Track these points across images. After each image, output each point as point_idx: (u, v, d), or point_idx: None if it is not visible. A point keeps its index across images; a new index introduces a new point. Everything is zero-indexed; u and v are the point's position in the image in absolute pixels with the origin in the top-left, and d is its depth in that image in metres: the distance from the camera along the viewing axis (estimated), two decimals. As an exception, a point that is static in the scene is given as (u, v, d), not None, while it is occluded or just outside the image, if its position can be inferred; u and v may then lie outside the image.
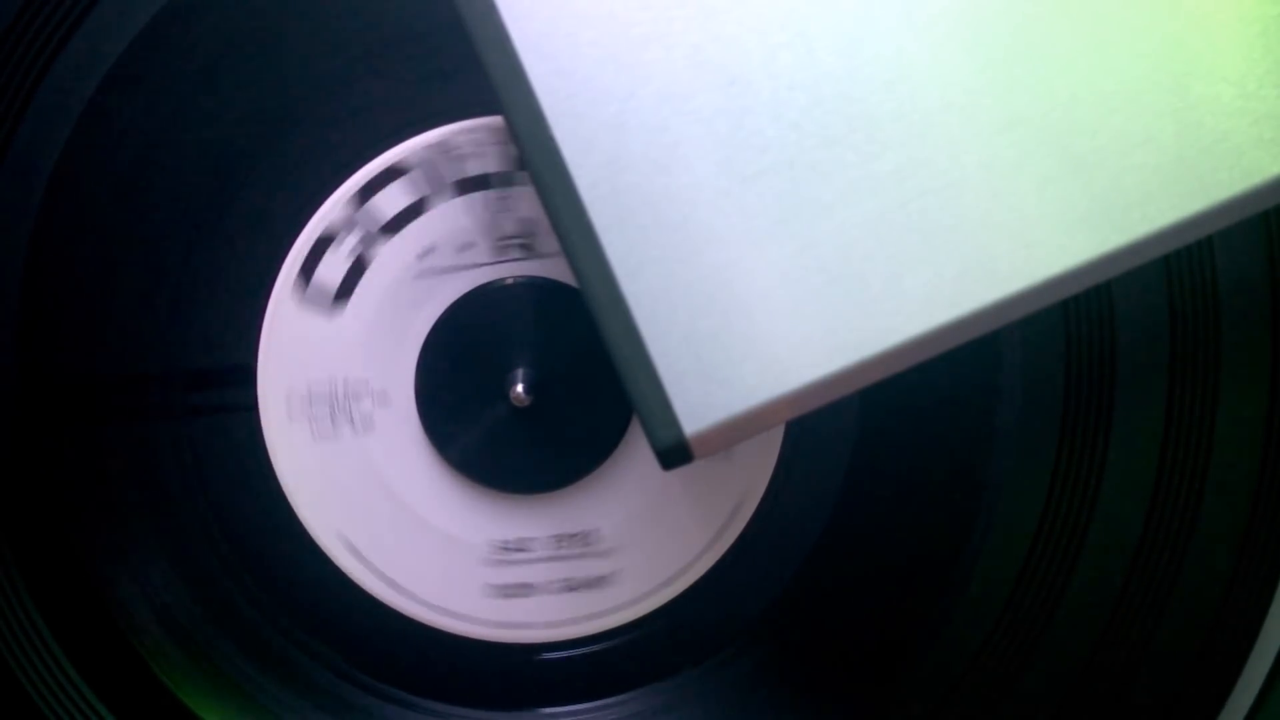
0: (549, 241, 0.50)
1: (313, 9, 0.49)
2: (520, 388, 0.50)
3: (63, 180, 0.49)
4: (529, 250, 0.50)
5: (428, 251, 0.50)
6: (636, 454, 0.51)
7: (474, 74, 0.46)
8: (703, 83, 0.39)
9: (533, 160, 0.39)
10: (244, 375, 0.51)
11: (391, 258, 0.50)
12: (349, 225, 0.50)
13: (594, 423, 0.51)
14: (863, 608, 0.53)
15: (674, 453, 0.40)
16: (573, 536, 0.52)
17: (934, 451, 0.51)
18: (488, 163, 0.50)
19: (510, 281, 0.51)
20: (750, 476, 0.52)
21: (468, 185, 0.50)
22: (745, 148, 0.39)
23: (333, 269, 0.50)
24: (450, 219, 0.50)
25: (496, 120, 0.49)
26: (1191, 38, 0.40)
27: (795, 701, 0.54)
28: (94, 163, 0.49)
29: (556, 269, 0.50)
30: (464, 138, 0.49)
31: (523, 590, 0.52)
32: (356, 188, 0.50)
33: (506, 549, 0.52)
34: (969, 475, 0.51)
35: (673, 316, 0.39)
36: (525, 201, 0.49)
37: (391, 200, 0.50)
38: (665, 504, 0.52)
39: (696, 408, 0.39)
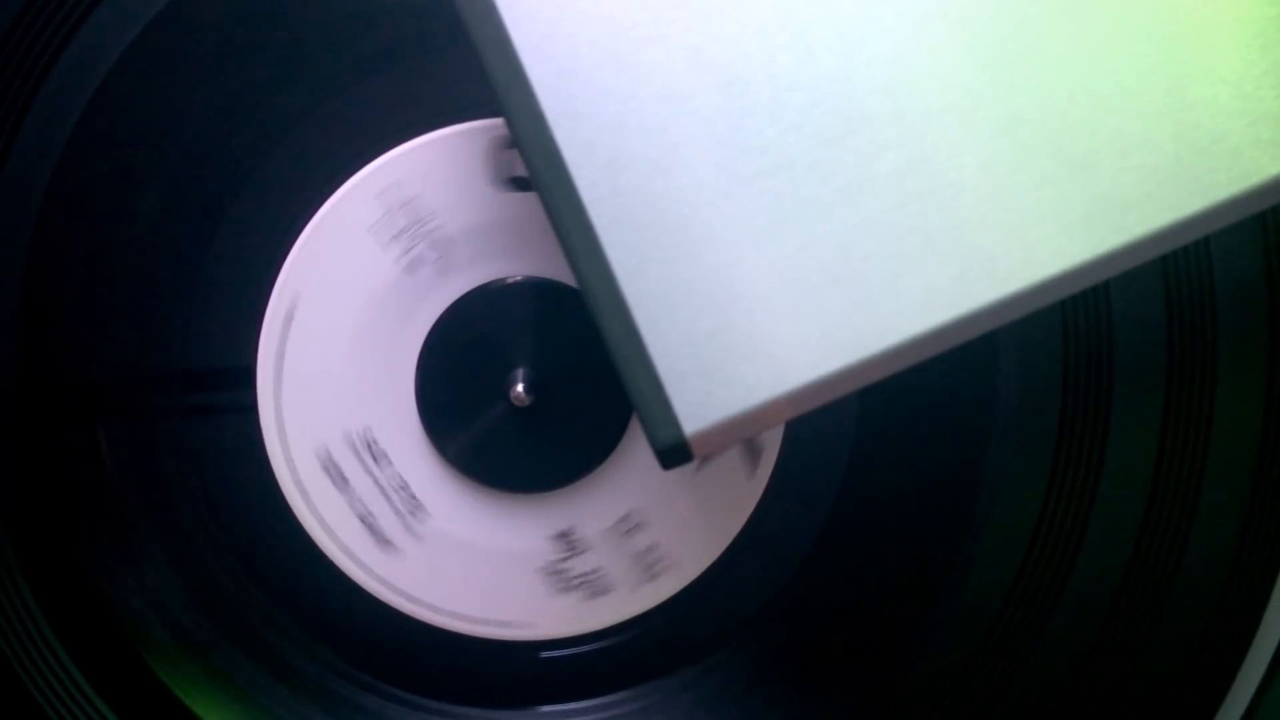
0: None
1: (306, 13, 0.49)
2: (520, 387, 0.50)
3: (63, 181, 0.49)
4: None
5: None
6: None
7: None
8: (702, 84, 0.39)
9: (533, 161, 0.39)
10: (243, 376, 0.51)
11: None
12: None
13: (596, 421, 0.51)
14: (861, 607, 0.53)
15: (674, 452, 0.40)
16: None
17: (932, 451, 0.51)
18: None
19: (510, 282, 0.51)
20: (749, 476, 0.52)
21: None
22: (745, 148, 0.39)
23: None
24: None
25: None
26: (1189, 39, 0.40)
27: (794, 700, 0.54)
28: (94, 164, 0.49)
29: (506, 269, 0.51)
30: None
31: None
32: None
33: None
34: (967, 475, 0.51)
35: (673, 316, 0.39)
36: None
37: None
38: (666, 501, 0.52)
39: (696, 407, 0.40)
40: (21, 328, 0.50)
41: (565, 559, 0.52)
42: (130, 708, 0.53)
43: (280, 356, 0.51)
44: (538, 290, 0.51)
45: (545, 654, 0.54)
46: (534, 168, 0.40)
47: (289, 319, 0.51)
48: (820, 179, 0.39)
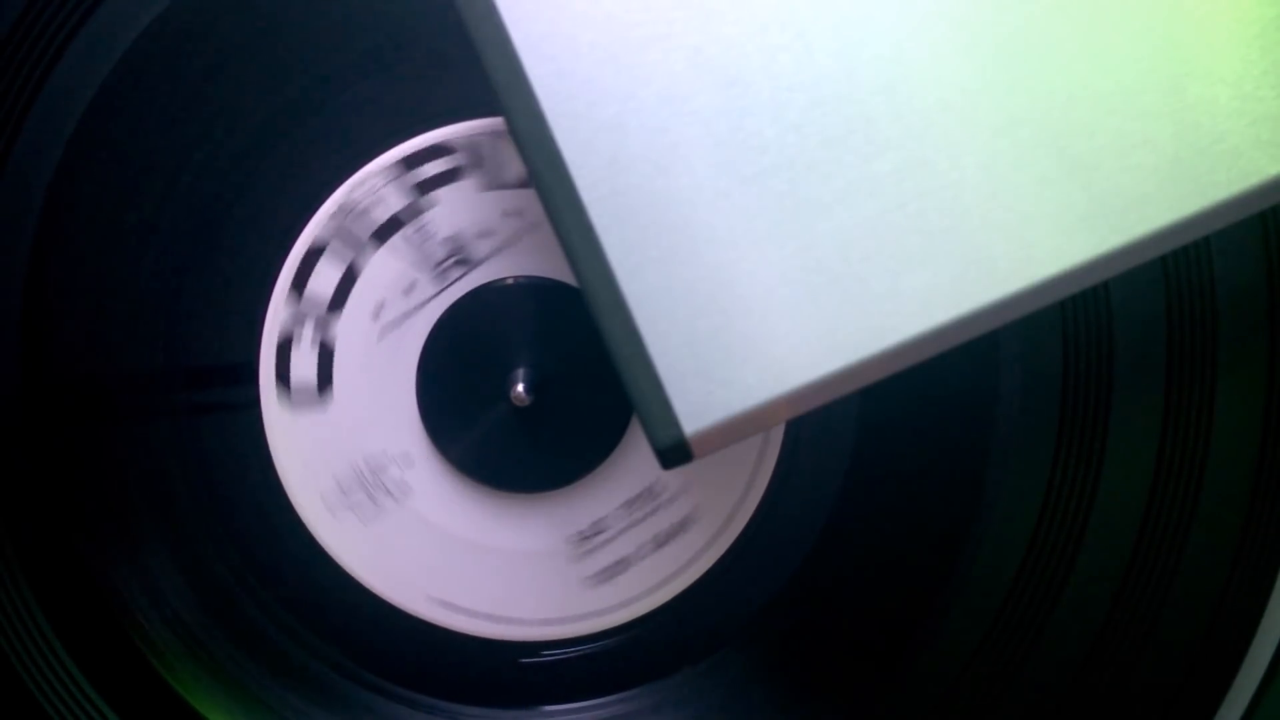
0: (481, 246, 0.50)
1: (304, 17, 0.49)
2: (521, 387, 0.50)
3: (64, 181, 0.49)
4: (466, 264, 0.50)
5: (379, 308, 0.50)
6: None
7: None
8: (702, 84, 0.39)
9: (533, 161, 0.39)
10: (246, 373, 0.51)
11: (351, 330, 0.51)
12: (299, 320, 0.50)
13: (598, 419, 0.51)
14: (861, 607, 0.53)
15: (674, 452, 0.40)
16: (638, 497, 0.52)
17: (933, 451, 0.51)
18: (389, 205, 0.50)
19: (510, 282, 0.51)
20: (750, 476, 0.52)
21: (383, 232, 0.50)
22: (745, 149, 0.39)
23: (304, 366, 0.51)
24: (384, 270, 0.50)
25: (376, 164, 0.49)
26: (1189, 39, 0.40)
27: (794, 700, 0.54)
28: (96, 164, 0.49)
29: (501, 269, 0.51)
30: (359, 193, 0.50)
31: (619, 567, 0.52)
32: (289, 282, 0.50)
33: (585, 537, 0.52)
34: (967, 475, 0.51)
35: (673, 316, 0.39)
36: (440, 222, 0.50)
37: (325, 279, 0.50)
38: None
39: (696, 407, 0.40)
40: (22, 327, 0.50)
41: (591, 550, 0.52)
42: (133, 707, 0.53)
43: (296, 463, 0.51)
44: (537, 290, 0.51)
45: (546, 654, 0.54)
46: (534, 168, 0.40)
47: (287, 427, 0.51)
48: (820, 179, 0.39)
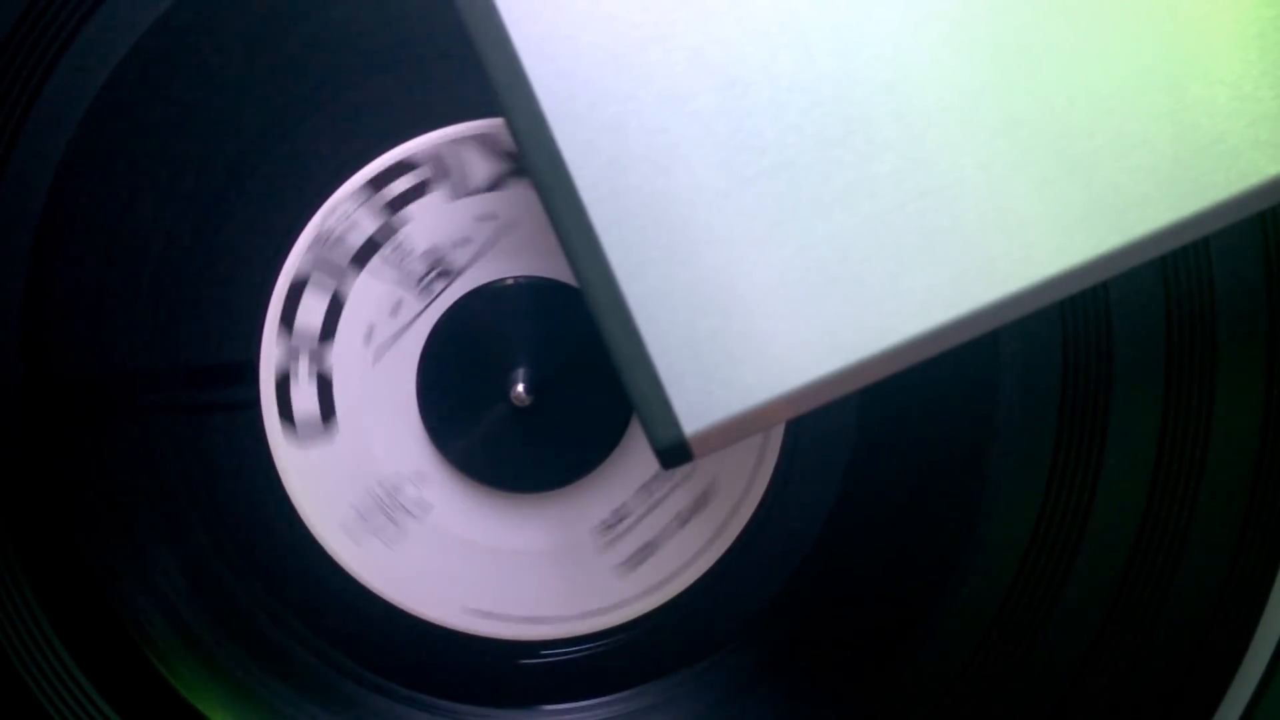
0: (460, 255, 0.50)
1: (307, 14, 0.49)
2: (521, 388, 0.50)
3: (66, 180, 0.49)
4: (448, 275, 0.50)
5: (370, 332, 0.50)
6: None
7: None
8: (702, 84, 0.39)
9: (533, 161, 0.39)
10: (246, 372, 0.51)
11: (345, 357, 0.51)
12: (293, 355, 0.50)
13: (602, 408, 0.51)
14: (861, 607, 0.53)
15: (674, 452, 0.40)
16: (655, 479, 0.52)
17: (932, 451, 0.51)
18: (363, 228, 0.50)
19: (510, 282, 0.51)
20: (750, 476, 0.52)
21: (362, 256, 0.50)
22: (745, 149, 0.39)
23: (305, 400, 0.51)
24: (369, 293, 0.50)
25: (344, 190, 0.50)
26: (1188, 39, 0.40)
27: (793, 700, 0.54)
28: (96, 164, 0.49)
29: (483, 275, 0.51)
30: (331, 220, 0.50)
31: (648, 549, 0.52)
32: (278, 318, 0.51)
33: (609, 525, 0.52)
34: (967, 475, 0.51)
35: (673, 316, 0.39)
36: (416, 237, 0.50)
37: (312, 310, 0.50)
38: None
39: (696, 407, 0.40)
40: (23, 325, 0.50)
41: (617, 537, 0.52)
42: (133, 706, 0.53)
43: (313, 498, 0.51)
44: (535, 290, 0.51)
45: (546, 654, 0.54)
46: (534, 168, 0.40)
47: (298, 463, 0.51)
48: (820, 179, 0.39)
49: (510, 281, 0.51)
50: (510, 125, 0.40)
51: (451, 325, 0.51)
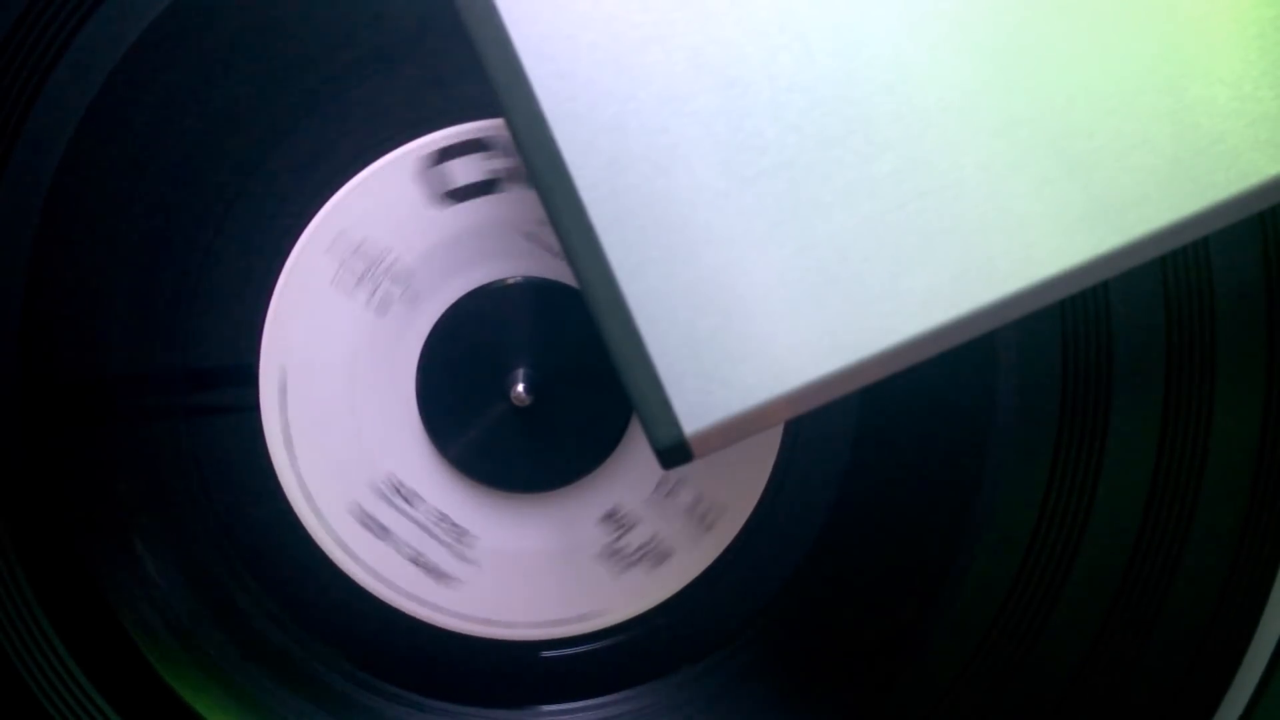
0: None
1: (308, 14, 0.49)
2: (520, 388, 0.50)
3: (65, 181, 0.49)
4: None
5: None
6: None
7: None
8: (702, 84, 0.39)
9: (533, 162, 0.40)
10: (246, 375, 0.51)
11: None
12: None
13: (604, 405, 0.51)
14: (860, 607, 0.53)
15: (674, 452, 0.40)
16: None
17: (932, 451, 0.51)
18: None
19: (510, 282, 0.51)
20: (749, 476, 0.52)
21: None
22: (744, 149, 0.39)
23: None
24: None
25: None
26: (1188, 40, 0.40)
27: (793, 700, 0.54)
28: (96, 164, 0.49)
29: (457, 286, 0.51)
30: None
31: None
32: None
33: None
34: (966, 475, 0.51)
35: (673, 316, 0.39)
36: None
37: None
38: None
39: (696, 407, 0.40)
40: (22, 327, 0.50)
41: (619, 537, 0.52)
42: (134, 707, 0.53)
43: (284, 394, 0.51)
44: (533, 291, 0.51)
45: (545, 654, 0.54)
46: (534, 168, 0.40)
47: (284, 371, 0.51)
48: (820, 179, 0.39)
49: (510, 281, 0.51)
50: (510, 125, 0.40)
51: (451, 325, 0.51)
